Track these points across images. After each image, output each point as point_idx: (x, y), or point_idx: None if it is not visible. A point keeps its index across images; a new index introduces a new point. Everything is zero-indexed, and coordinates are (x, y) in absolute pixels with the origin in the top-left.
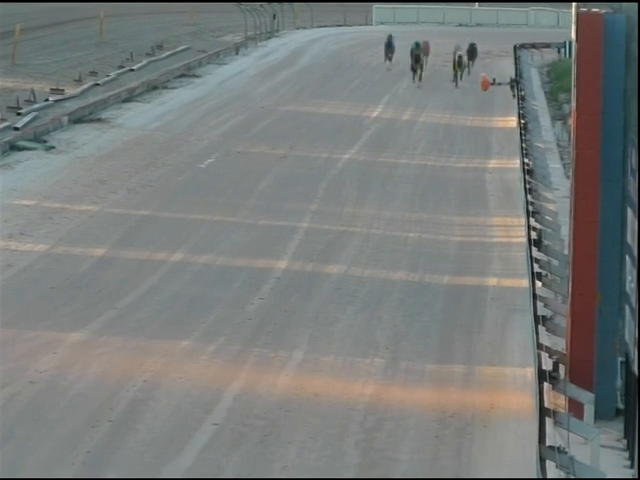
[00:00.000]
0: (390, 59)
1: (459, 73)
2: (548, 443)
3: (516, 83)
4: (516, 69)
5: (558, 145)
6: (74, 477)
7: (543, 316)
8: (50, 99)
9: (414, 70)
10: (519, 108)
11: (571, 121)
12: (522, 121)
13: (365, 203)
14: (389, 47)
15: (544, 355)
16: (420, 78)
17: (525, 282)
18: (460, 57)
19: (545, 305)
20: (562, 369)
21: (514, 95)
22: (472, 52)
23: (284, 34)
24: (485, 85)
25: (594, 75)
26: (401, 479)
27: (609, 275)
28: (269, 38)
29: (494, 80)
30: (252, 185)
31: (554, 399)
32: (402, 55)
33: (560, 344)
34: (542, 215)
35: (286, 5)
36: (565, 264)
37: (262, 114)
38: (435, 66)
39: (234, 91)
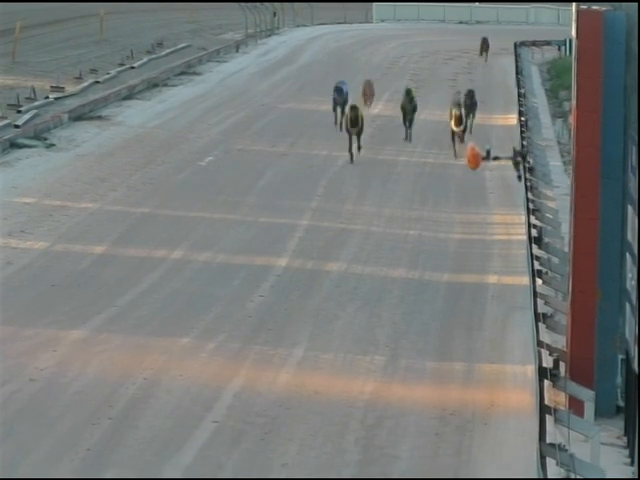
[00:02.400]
0: (342, 111)
1: (456, 136)
2: (548, 441)
3: (523, 158)
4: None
5: (558, 142)
6: (74, 475)
7: (543, 313)
8: (50, 97)
9: (348, 133)
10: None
11: (571, 118)
12: (522, 118)
13: (365, 201)
14: (339, 95)
15: (544, 353)
16: (359, 147)
17: (525, 279)
18: (459, 115)
19: (545, 302)
20: (562, 367)
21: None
22: (471, 103)
23: (284, 32)
24: (475, 160)
25: (594, 72)
26: (401, 479)
27: (609, 272)
28: (269, 36)
29: (488, 153)
30: (252, 182)
31: (554, 397)
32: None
33: (560, 342)
34: (542, 213)
35: (286, 3)
36: (565, 261)
37: (262, 112)
38: (436, 64)
39: (234, 89)
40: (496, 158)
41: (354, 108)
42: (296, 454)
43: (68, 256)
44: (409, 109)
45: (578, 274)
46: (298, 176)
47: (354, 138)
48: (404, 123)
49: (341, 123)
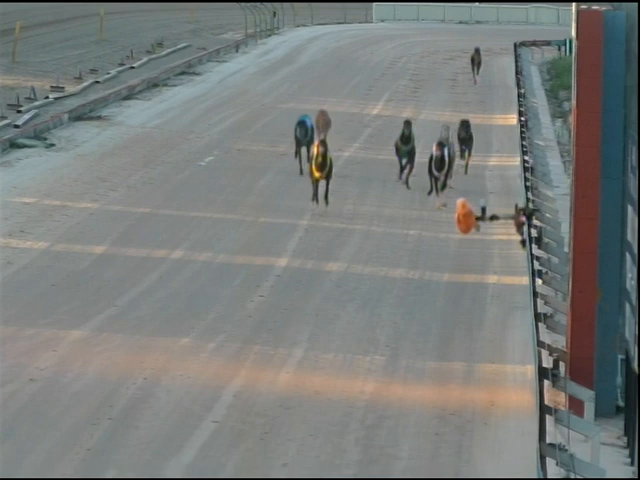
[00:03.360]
0: (308, 151)
1: (438, 180)
2: (548, 440)
3: (528, 217)
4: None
5: (558, 142)
6: (74, 475)
7: (543, 313)
8: (50, 97)
9: (313, 176)
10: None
11: (571, 118)
12: (522, 118)
13: (365, 200)
14: (303, 132)
15: (544, 353)
16: (326, 197)
17: (525, 280)
18: (440, 156)
19: (545, 302)
20: (562, 366)
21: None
22: (465, 137)
23: (284, 32)
24: (466, 221)
25: (594, 72)
26: (401, 479)
27: (609, 272)
28: (269, 36)
29: (483, 211)
30: (252, 182)
31: (554, 397)
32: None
33: (560, 341)
34: (542, 213)
35: (286, 3)
36: (565, 261)
37: (262, 112)
38: (436, 64)
39: (234, 89)
40: (494, 218)
41: (323, 143)
42: (296, 454)
43: (68, 256)
44: (404, 150)
45: (578, 274)
46: (298, 176)
47: (320, 183)
48: (400, 163)
49: (307, 166)
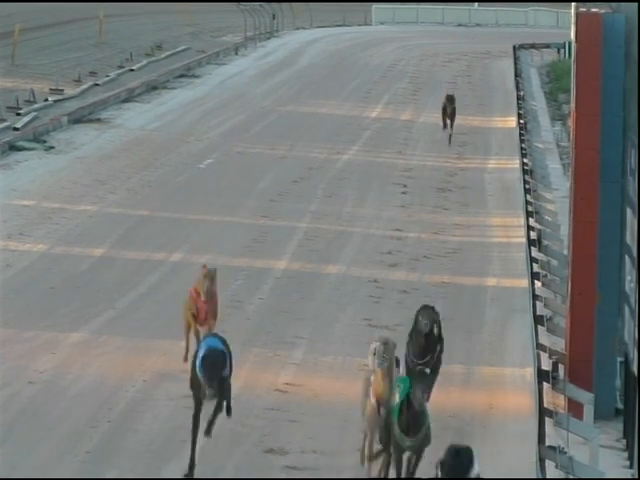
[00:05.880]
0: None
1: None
2: (547, 443)
3: None
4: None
5: (557, 145)
6: (73, 477)
7: (542, 316)
8: (49, 99)
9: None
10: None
11: (570, 121)
12: (521, 121)
13: (364, 203)
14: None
15: (543, 355)
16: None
17: (524, 282)
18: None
19: (544, 305)
20: (561, 369)
21: None
22: (429, 338)
23: (283, 34)
24: None
25: (593, 75)
26: (400, 479)
27: (608, 275)
28: (268, 38)
29: None
30: (251, 185)
31: (553, 399)
32: None
33: (559, 344)
34: (541, 215)
35: (285, 5)
36: (564, 264)
37: (261, 114)
38: (435, 66)
39: (233, 91)
40: None
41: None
42: (295, 456)
43: (67, 259)
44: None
45: (577, 276)
46: (297, 178)
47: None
48: None
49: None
